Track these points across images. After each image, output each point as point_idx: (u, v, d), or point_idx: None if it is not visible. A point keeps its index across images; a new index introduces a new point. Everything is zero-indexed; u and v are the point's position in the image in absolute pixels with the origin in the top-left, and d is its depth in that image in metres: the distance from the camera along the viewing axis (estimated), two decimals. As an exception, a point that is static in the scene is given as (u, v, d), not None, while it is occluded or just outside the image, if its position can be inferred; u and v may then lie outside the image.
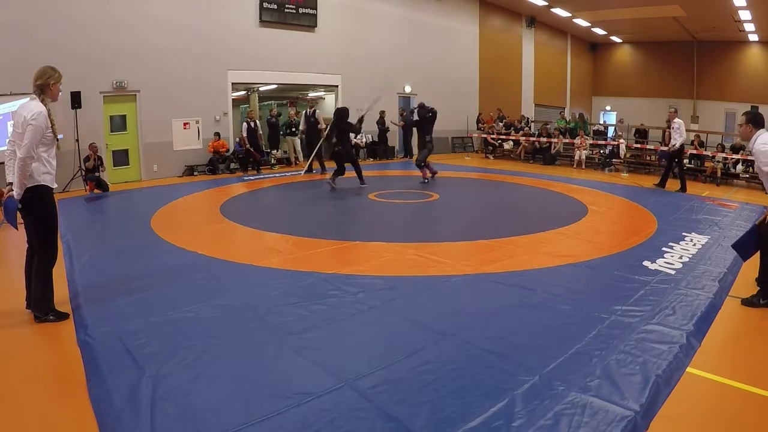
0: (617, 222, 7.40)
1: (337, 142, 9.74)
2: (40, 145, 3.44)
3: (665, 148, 10.10)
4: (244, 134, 12.03)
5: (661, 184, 10.21)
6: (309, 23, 13.44)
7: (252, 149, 12.03)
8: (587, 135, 14.63)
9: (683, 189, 9.85)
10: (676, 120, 9.90)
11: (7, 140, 3.62)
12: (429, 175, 10.36)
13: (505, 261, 5.05)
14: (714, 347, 3.32)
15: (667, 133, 14.40)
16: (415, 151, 12.90)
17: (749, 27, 17.65)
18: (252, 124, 12.19)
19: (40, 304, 3.68)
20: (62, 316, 3.73)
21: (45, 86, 3.50)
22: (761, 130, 4.11)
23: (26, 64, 9.16)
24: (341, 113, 9.69)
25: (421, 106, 10.49)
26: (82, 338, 3.34)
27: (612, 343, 3.22)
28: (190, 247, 5.51)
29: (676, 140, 9.78)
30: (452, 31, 17.61)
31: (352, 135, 10.18)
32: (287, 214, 7.83)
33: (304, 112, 12.64)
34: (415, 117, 11.01)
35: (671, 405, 2.63)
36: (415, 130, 12.12)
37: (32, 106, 3.43)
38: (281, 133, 13.65)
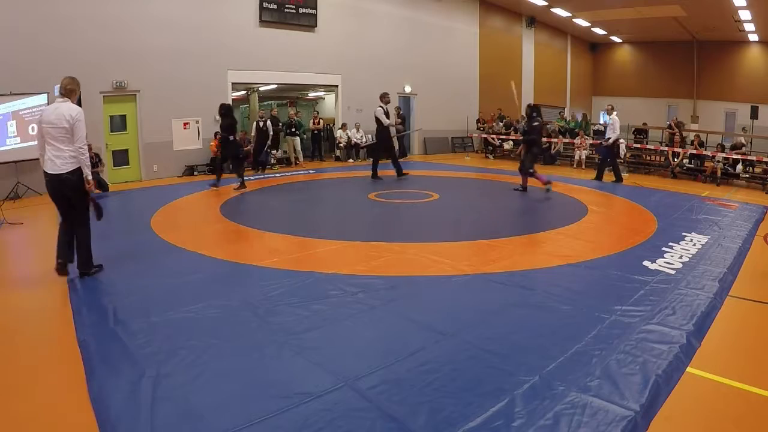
0: (617, 222, 7.41)
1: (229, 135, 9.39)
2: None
3: (603, 143, 11.03)
4: (253, 133, 12.07)
5: (599, 177, 11.05)
6: (309, 23, 13.44)
7: (254, 149, 11.97)
8: (587, 135, 14.62)
9: (619, 179, 10.80)
10: (613, 116, 10.59)
11: (44, 137, 4.26)
12: (545, 184, 8.99)
13: (505, 261, 5.05)
14: (714, 347, 3.31)
15: (666, 133, 14.49)
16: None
17: (749, 27, 17.65)
18: (261, 124, 12.04)
19: (88, 261, 4.46)
20: (101, 267, 4.60)
21: (73, 91, 4.32)
22: None
23: (26, 64, 9.24)
24: (225, 109, 9.50)
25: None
26: (82, 338, 3.34)
27: (612, 343, 3.22)
28: (190, 247, 5.51)
29: (610, 135, 10.54)
30: (452, 31, 17.61)
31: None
32: (287, 214, 7.83)
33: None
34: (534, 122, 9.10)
35: (671, 405, 2.63)
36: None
37: (72, 107, 4.19)
38: (282, 133, 13.60)
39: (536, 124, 9.10)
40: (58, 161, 4.16)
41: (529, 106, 9.39)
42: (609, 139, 10.58)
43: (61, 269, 4.35)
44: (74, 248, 4.41)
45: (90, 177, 4.30)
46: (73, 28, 9.62)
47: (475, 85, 18.73)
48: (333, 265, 4.90)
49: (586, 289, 4.33)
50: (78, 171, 4.23)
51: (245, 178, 9.71)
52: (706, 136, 13.56)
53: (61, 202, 4.33)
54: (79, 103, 4.60)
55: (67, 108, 4.13)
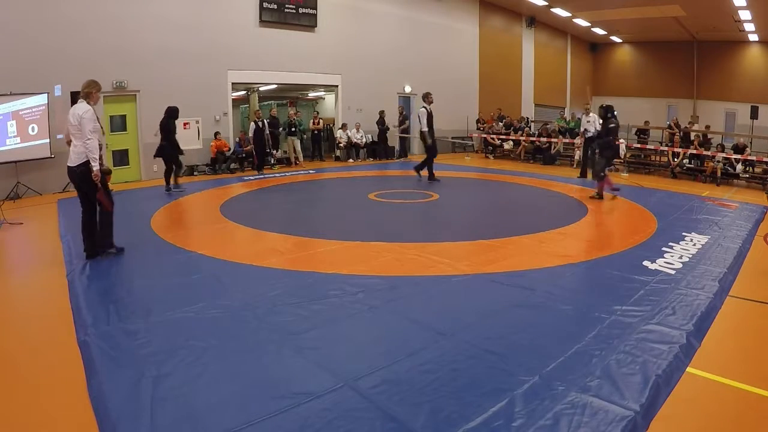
0: (617, 222, 7.40)
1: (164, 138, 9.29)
2: (94, 131, 4.74)
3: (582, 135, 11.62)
4: (251, 134, 11.95)
5: (598, 175, 10.96)
6: (309, 23, 13.44)
7: (255, 151, 11.97)
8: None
9: (583, 174, 11.31)
10: (591, 114, 11.16)
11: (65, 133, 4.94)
12: (612, 189, 8.69)
13: (505, 261, 5.05)
14: (714, 347, 3.32)
15: (666, 133, 14.50)
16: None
17: (749, 27, 17.64)
18: (260, 124, 11.97)
19: (105, 241, 4.99)
20: (120, 250, 5.17)
21: (89, 93, 4.81)
22: None
23: (26, 64, 9.23)
24: (171, 112, 9.39)
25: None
26: (82, 338, 3.34)
27: (612, 343, 3.22)
28: (190, 247, 5.51)
29: (588, 130, 11.00)
30: (452, 31, 17.60)
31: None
32: (287, 214, 7.83)
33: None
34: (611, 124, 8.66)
35: (671, 405, 2.63)
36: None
37: (83, 106, 4.75)
38: (282, 133, 13.57)
39: (612, 126, 8.56)
40: (73, 155, 4.78)
41: (602, 107, 8.80)
42: (586, 131, 10.99)
43: (89, 252, 5.01)
44: (94, 233, 5.01)
45: (96, 169, 4.72)
46: (73, 28, 9.62)
47: (475, 85, 18.72)
48: (333, 265, 4.90)
49: (586, 289, 4.34)
50: (84, 165, 4.72)
51: (247, 178, 9.70)
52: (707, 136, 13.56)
53: (78, 191, 4.98)
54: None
55: (79, 108, 4.73)
